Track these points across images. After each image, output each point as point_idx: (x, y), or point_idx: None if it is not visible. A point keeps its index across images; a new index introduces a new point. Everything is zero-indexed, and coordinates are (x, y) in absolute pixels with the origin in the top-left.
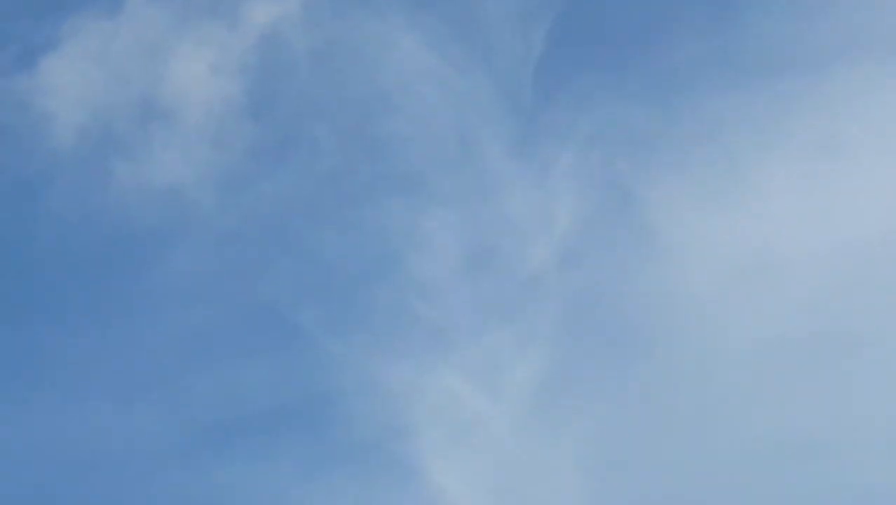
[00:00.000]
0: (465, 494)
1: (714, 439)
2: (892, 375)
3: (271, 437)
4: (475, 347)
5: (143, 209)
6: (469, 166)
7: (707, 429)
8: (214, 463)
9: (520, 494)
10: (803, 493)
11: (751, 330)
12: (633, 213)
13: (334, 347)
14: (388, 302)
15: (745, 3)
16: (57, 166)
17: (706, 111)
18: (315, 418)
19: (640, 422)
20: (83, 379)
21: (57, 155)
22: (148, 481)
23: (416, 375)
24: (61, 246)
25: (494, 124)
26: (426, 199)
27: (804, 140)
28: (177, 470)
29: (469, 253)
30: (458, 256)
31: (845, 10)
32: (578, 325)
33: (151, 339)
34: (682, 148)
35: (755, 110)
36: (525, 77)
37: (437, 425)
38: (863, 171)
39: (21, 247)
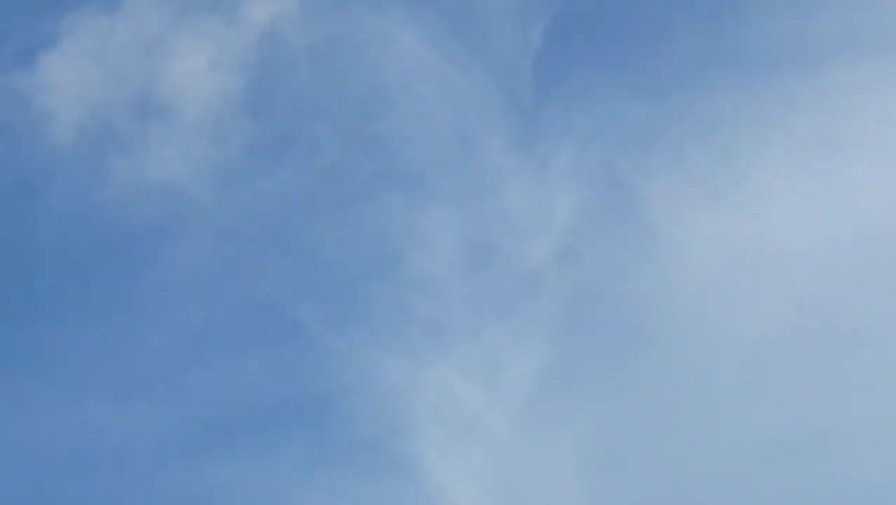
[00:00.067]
0: (463, 490)
1: (713, 436)
2: (892, 372)
3: (270, 434)
4: (474, 343)
5: (142, 206)
6: (468, 163)
7: (706, 425)
8: (213, 460)
9: (518, 491)
10: (803, 490)
11: (750, 326)
12: (632, 209)
13: (333, 345)
14: (388, 299)
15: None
16: (56, 163)
17: (706, 108)
18: (314, 415)
19: (639, 419)
20: (82, 376)
21: (56, 152)
22: (147, 479)
23: (416, 372)
24: (60, 243)
25: (493, 121)
26: (425, 196)
27: (803, 137)
28: (176, 468)
29: (468, 250)
30: (458, 252)
31: (844, 7)
32: (577, 321)
33: (150, 336)
34: (682, 144)
35: (754, 107)
36: (524, 74)
37: (436, 422)
38: (862, 167)
39: (20, 244)
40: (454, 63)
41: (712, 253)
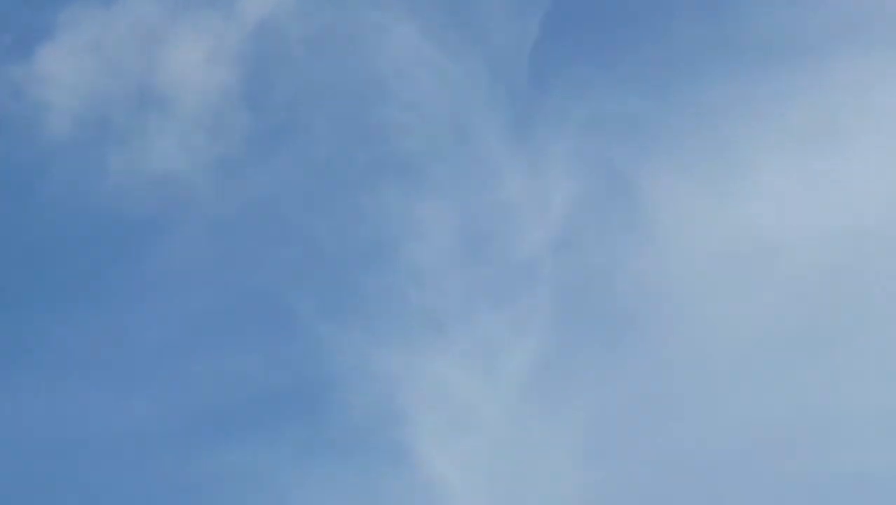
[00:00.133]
0: (459, 479)
1: (708, 424)
2: (886, 362)
3: (266, 423)
4: (470, 333)
5: (139, 197)
6: (464, 153)
7: (701, 414)
8: (209, 449)
9: (514, 479)
10: (797, 478)
11: (745, 315)
12: (628, 199)
13: (329, 334)
14: (383, 288)
15: None
16: (53, 155)
17: (702, 98)
18: (310, 404)
19: (635, 407)
20: (79, 366)
21: (53, 144)
22: (143, 468)
23: (411, 361)
24: (57, 234)
25: (490, 111)
26: (422, 186)
27: (800, 129)
28: (172, 457)
29: (464, 239)
30: (453, 241)
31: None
32: (573, 311)
33: (147, 326)
34: (678, 134)
35: (751, 98)
36: (520, 64)
37: (432, 411)
38: (859, 159)
39: (17, 235)
40: (451, 54)
41: (708, 243)
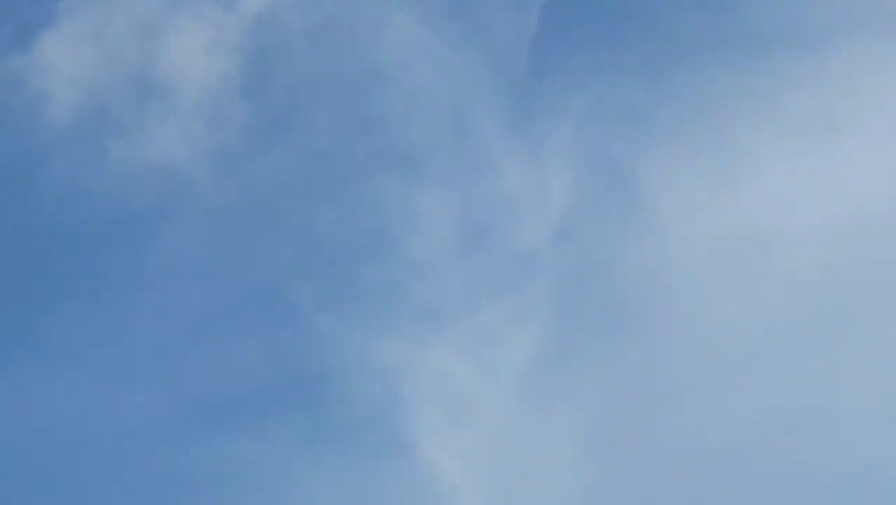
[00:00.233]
0: (459, 470)
1: (707, 416)
2: (887, 353)
3: (266, 415)
4: (469, 324)
5: (139, 187)
6: (464, 143)
7: (701, 405)
8: (209, 441)
9: (514, 470)
10: (798, 471)
11: (745, 306)
12: (628, 189)
13: (328, 325)
14: (383, 279)
15: None
16: (53, 145)
17: (702, 87)
18: (309, 396)
19: (635, 398)
20: (78, 357)
21: (53, 134)
22: (144, 460)
23: (411, 353)
24: (57, 224)
25: (489, 101)
26: (421, 178)
27: (801, 117)
28: (172, 449)
29: (463, 230)
30: (453, 232)
31: None
32: (573, 302)
33: (147, 317)
34: (678, 124)
35: (752, 87)
36: (520, 54)
37: (431, 402)
38: (860, 148)
39: (16, 225)
40: (450, 44)
41: (708, 233)
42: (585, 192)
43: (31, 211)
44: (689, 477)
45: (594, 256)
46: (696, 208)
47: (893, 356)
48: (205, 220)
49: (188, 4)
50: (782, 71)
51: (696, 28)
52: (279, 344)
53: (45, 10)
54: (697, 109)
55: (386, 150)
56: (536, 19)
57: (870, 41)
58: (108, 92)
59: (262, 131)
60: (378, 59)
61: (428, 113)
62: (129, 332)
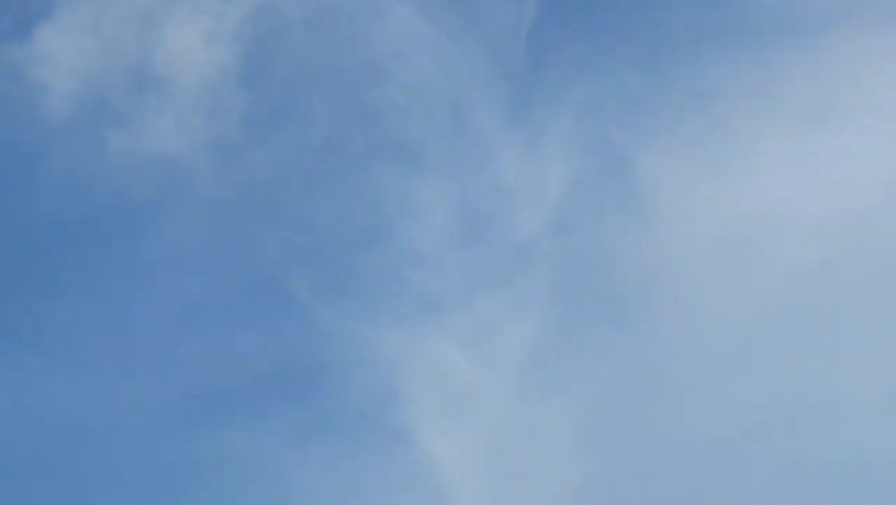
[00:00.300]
0: (457, 461)
1: (706, 406)
2: (884, 345)
3: (263, 404)
4: (467, 314)
5: (137, 178)
6: (462, 134)
7: (700, 396)
8: (207, 431)
9: (512, 461)
10: (796, 461)
11: (743, 297)
12: (626, 180)
13: (326, 315)
14: (381, 270)
15: None
16: (51, 136)
17: (700, 78)
18: (307, 386)
19: (633, 389)
20: (76, 347)
21: (51, 124)
22: (140, 450)
23: (409, 343)
24: (55, 215)
25: (487, 92)
26: (419, 168)
27: (799, 108)
28: (170, 438)
29: (462, 221)
30: (451, 223)
31: None
32: (571, 292)
33: (144, 307)
34: (676, 115)
35: (750, 77)
36: (518, 44)
37: (429, 393)
38: (857, 139)
39: (15, 216)
40: (448, 34)
41: (706, 224)
42: (584, 183)
43: (29, 202)
44: (687, 469)
45: (592, 247)
46: (694, 199)
47: (893, 348)
48: (203, 210)
49: None
50: (781, 61)
51: (695, 19)
52: (277, 334)
53: (43, 1)
54: (696, 100)
55: (384, 140)
56: (534, 10)
57: (868, 32)
58: (106, 83)
59: (260, 122)
60: (376, 50)
61: (426, 104)
62: (127, 322)
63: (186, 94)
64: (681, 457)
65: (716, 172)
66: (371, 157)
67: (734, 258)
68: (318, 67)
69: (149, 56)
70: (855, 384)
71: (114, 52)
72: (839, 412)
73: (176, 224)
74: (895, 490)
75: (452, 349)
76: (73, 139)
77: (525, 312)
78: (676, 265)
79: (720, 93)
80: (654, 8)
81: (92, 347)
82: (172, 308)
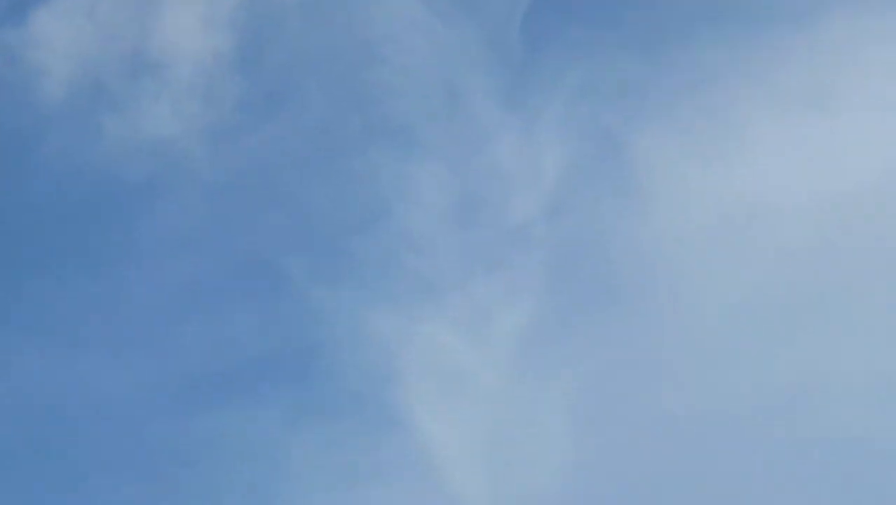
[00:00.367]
0: (452, 443)
1: (701, 388)
2: (877, 326)
3: (259, 387)
4: (463, 296)
5: (133, 162)
6: (457, 117)
7: (694, 377)
8: (201, 413)
9: (507, 442)
10: (790, 441)
11: (738, 280)
12: (621, 163)
13: (322, 298)
14: (376, 252)
15: None
16: (47, 120)
17: (696, 62)
18: (302, 368)
19: (628, 371)
20: (72, 330)
21: (47, 108)
22: (135, 431)
23: (404, 326)
24: (51, 198)
25: (483, 75)
26: (414, 150)
27: (794, 91)
28: (164, 421)
29: (457, 203)
30: (446, 206)
31: None
32: (566, 274)
33: (140, 290)
34: (671, 99)
35: (745, 61)
36: (513, 27)
37: (425, 375)
38: (852, 123)
39: (11, 199)
40: (444, 18)
41: (701, 207)
42: (579, 167)
43: (25, 186)
44: (682, 450)
45: (587, 231)
46: (689, 183)
47: (887, 330)
48: (199, 194)
49: None
50: (776, 45)
51: (690, 3)
52: (273, 317)
53: None
54: (691, 84)
55: (379, 124)
56: None
57: (863, 16)
58: (102, 67)
59: (255, 106)
60: (371, 34)
61: (421, 87)
62: (122, 305)
63: (182, 78)
64: (675, 438)
65: (710, 156)
66: (367, 140)
67: (728, 241)
68: (314, 52)
69: (145, 40)
70: (849, 368)
71: (110, 37)
72: (835, 393)
73: (172, 208)
74: (889, 474)
75: (448, 332)
76: (69, 123)
77: (520, 295)
78: (671, 249)
79: (715, 77)
80: None
81: (87, 329)
82: (168, 291)
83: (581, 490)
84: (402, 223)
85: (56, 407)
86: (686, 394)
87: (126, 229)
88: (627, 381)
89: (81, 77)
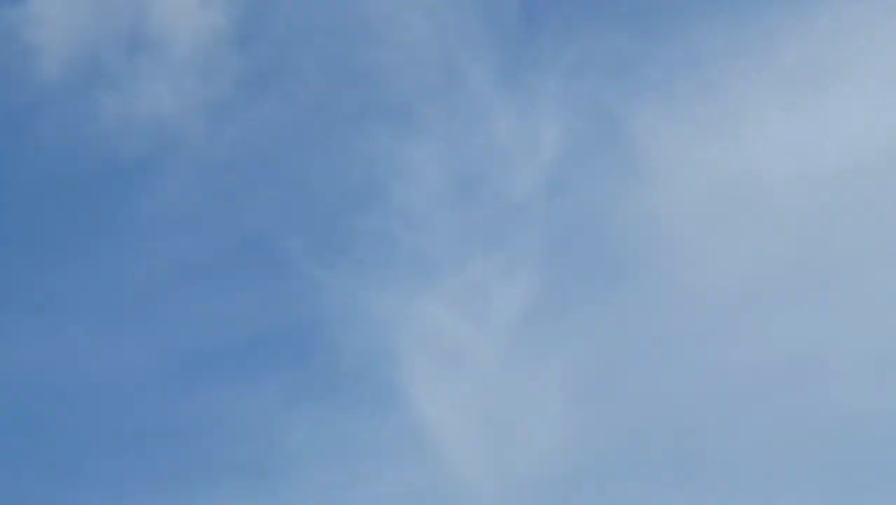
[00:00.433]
0: (450, 421)
1: (699, 366)
2: (876, 302)
3: (256, 365)
4: (461, 275)
5: (130, 140)
6: (455, 95)
7: (693, 355)
8: (198, 392)
9: (505, 421)
10: (788, 419)
11: (736, 256)
12: (619, 140)
13: (319, 276)
14: (374, 231)
15: None
16: (44, 97)
17: (694, 38)
18: (300, 346)
19: (626, 349)
20: (69, 308)
21: (44, 86)
22: (133, 409)
23: (402, 304)
24: (48, 177)
25: (480, 53)
26: (412, 128)
27: (791, 68)
28: (161, 397)
29: (455, 181)
30: (444, 184)
31: None
32: (564, 252)
33: (137, 268)
34: (669, 75)
35: (742, 38)
36: (511, 5)
37: (423, 354)
38: (849, 99)
39: (7, 178)
40: None
41: (699, 184)
42: (577, 144)
43: (22, 163)
44: (680, 426)
45: (585, 208)
46: (688, 159)
47: (888, 304)
48: (196, 172)
49: None
50: (773, 21)
51: None
52: (270, 295)
53: None
54: (689, 60)
55: (377, 101)
56: None
57: None
58: (99, 44)
59: (253, 84)
60: (369, 11)
61: (419, 64)
62: (119, 283)
63: (179, 55)
64: (673, 415)
65: (708, 132)
66: (364, 117)
67: (727, 217)
68: (311, 28)
69: (142, 18)
70: (850, 343)
71: (107, 14)
72: (836, 367)
73: (169, 185)
74: (891, 448)
75: (445, 309)
76: (66, 101)
77: (518, 273)
78: (670, 225)
79: (713, 53)
80: None
81: (84, 308)
82: (165, 269)
83: (579, 468)
84: (399, 201)
85: (52, 385)
86: (686, 370)
87: (123, 207)
88: (625, 357)
89: (78, 55)
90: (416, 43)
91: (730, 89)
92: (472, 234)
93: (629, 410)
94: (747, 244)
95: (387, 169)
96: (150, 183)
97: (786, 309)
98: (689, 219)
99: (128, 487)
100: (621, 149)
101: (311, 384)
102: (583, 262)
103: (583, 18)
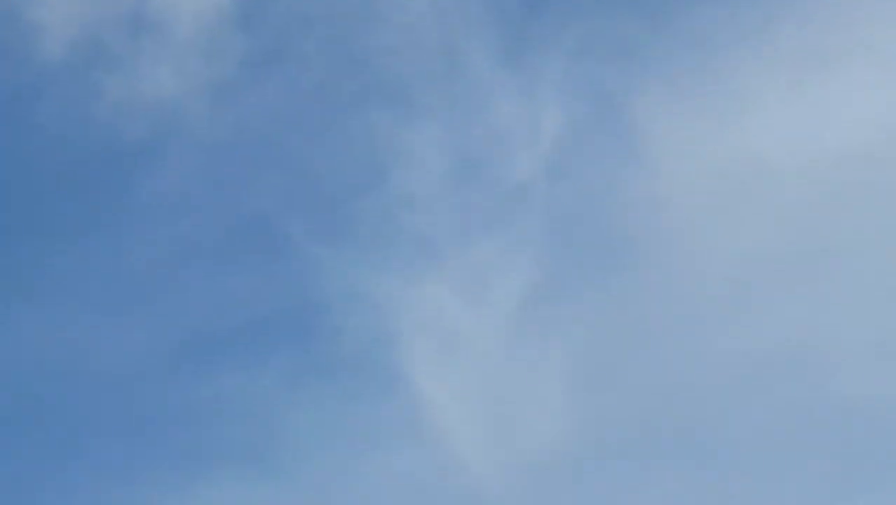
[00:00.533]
0: (451, 404)
1: (701, 350)
2: (878, 287)
3: (257, 348)
4: (462, 258)
5: (133, 122)
6: (456, 78)
7: (694, 340)
8: (200, 374)
9: (506, 404)
10: (788, 404)
11: (738, 240)
12: (621, 123)
13: (321, 259)
14: (375, 213)
15: None
16: (46, 79)
17: (696, 21)
18: (301, 329)
19: (628, 333)
20: (70, 291)
21: (46, 68)
22: (133, 392)
23: (403, 287)
24: (50, 159)
25: (482, 35)
26: (413, 111)
27: (794, 50)
28: (162, 381)
29: (456, 164)
30: (445, 167)
31: None
32: (566, 236)
33: (138, 250)
34: (671, 58)
35: (745, 20)
36: None
37: (424, 337)
38: (853, 82)
39: (9, 160)
40: None
41: (701, 167)
42: (579, 127)
43: (23, 145)
44: (682, 412)
45: (587, 191)
46: (690, 142)
47: (890, 288)
48: (198, 153)
49: None
50: (776, 5)
51: None
52: (271, 277)
53: None
54: (692, 43)
55: (378, 84)
56: None
57: None
58: (102, 25)
59: (255, 65)
60: None
61: (420, 47)
62: (121, 265)
63: (182, 36)
64: (675, 400)
65: (711, 115)
66: (365, 100)
67: (730, 201)
68: (313, 10)
69: None
70: (853, 326)
71: None
72: (839, 352)
73: (171, 167)
74: (892, 434)
75: (447, 292)
76: (68, 82)
77: (520, 256)
78: (672, 208)
79: (715, 35)
80: None
81: (85, 289)
82: (167, 250)
83: (581, 451)
84: (401, 184)
85: (51, 367)
86: (688, 355)
87: (125, 188)
88: (628, 341)
89: (81, 36)
90: (418, 26)
91: (732, 73)
92: (474, 216)
93: (631, 394)
94: (749, 229)
95: (388, 151)
96: (151, 164)
97: (788, 294)
98: (691, 203)
99: (127, 470)
100: (623, 133)
101: (311, 367)
102: (585, 245)
103: (584, 1)
